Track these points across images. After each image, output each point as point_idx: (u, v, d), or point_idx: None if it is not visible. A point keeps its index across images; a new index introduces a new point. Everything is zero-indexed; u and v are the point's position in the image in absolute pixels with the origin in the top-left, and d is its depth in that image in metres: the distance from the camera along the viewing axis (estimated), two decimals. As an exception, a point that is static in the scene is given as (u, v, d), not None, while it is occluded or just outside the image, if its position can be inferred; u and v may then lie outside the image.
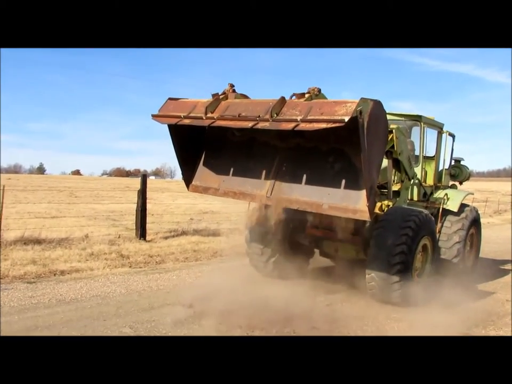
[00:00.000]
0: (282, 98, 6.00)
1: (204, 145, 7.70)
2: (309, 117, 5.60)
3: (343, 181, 6.23)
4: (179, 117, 6.76)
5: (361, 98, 5.44)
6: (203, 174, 7.60)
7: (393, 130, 7.78)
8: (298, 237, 8.94)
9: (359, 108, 5.34)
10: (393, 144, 7.95)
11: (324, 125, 5.45)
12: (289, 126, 5.72)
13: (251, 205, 8.77)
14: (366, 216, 5.87)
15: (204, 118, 6.52)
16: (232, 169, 7.34)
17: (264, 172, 6.96)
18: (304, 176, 6.58)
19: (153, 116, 7.01)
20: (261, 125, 5.95)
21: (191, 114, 6.69)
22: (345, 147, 6.29)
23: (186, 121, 6.70)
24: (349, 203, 6.04)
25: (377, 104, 5.73)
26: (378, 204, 8.16)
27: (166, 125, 7.04)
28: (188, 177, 7.66)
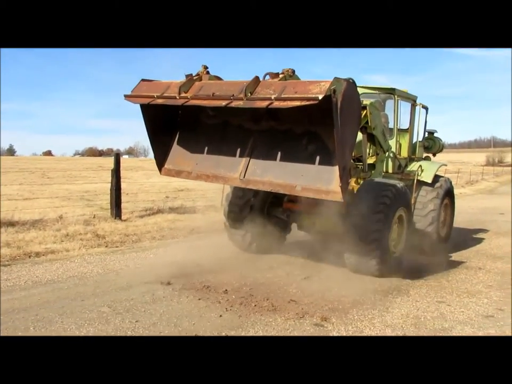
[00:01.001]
0: (256, 78, 6.03)
1: (177, 128, 7.68)
2: (283, 96, 5.63)
3: (316, 163, 6.28)
4: (152, 97, 6.74)
5: (335, 78, 5.50)
6: (176, 157, 7.57)
7: (367, 107, 7.83)
8: (275, 211, 8.99)
9: (332, 87, 5.39)
10: (367, 120, 8.00)
11: (297, 103, 5.50)
12: (263, 104, 5.77)
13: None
14: (338, 197, 5.92)
15: (177, 97, 6.50)
16: (205, 152, 7.35)
17: (237, 155, 6.98)
18: (278, 159, 6.62)
19: (126, 96, 6.97)
20: (235, 103, 5.97)
21: (165, 94, 6.66)
22: (319, 129, 6.35)
23: (160, 101, 6.68)
24: (322, 184, 6.09)
25: (351, 85, 5.79)
26: (354, 178, 8.28)
27: (139, 106, 7.00)
28: (160, 160, 7.63)
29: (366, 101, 7.88)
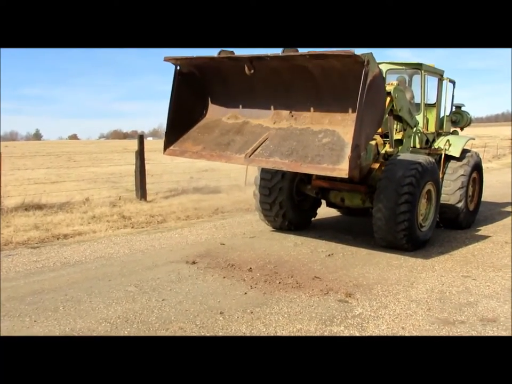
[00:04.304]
0: (296, 50, 6.21)
1: (198, 121, 7.79)
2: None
3: (327, 150, 6.26)
4: (190, 58, 7.09)
5: (370, 52, 5.68)
6: (185, 143, 7.60)
7: (391, 92, 7.84)
8: (304, 188, 9.04)
9: (367, 58, 5.58)
10: (393, 104, 8.07)
11: (330, 53, 5.76)
12: (297, 54, 6.14)
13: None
14: (344, 173, 5.87)
15: (216, 56, 6.88)
16: (216, 140, 7.37)
17: (248, 143, 6.99)
18: (289, 146, 6.61)
19: (166, 57, 7.20)
20: (271, 55, 6.32)
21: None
22: (338, 128, 6.40)
23: (198, 60, 7.13)
24: (328, 164, 6.07)
25: (381, 74, 6.18)
26: (382, 153, 8.43)
27: (171, 90, 7.38)
28: (169, 141, 7.67)
29: (389, 87, 7.83)
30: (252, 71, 6.73)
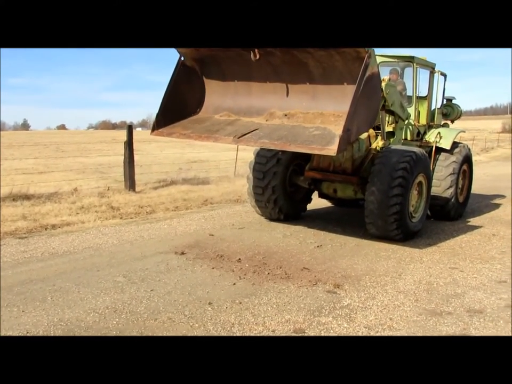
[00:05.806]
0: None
1: (190, 116, 7.71)
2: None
3: (317, 138, 6.25)
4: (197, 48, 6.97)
5: (373, 49, 5.75)
6: (174, 128, 7.51)
7: (383, 88, 7.84)
8: (297, 180, 9.08)
9: (369, 51, 5.66)
10: (385, 99, 8.10)
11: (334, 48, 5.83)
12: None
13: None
14: (332, 152, 5.84)
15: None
16: (206, 128, 7.29)
17: (238, 131, 6.92)
18: (279, 134, 6.59)
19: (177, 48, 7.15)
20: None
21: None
22: (330, 126, 6.39)
23: (204, 50, 6.95)
24: (318, 145, 6.07)
25: (379, 74, 6.28)
26: (374, 145, 8.50)
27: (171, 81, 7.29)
28: (159, 125, 7.46)
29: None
30: (258, 57, 6.68)
